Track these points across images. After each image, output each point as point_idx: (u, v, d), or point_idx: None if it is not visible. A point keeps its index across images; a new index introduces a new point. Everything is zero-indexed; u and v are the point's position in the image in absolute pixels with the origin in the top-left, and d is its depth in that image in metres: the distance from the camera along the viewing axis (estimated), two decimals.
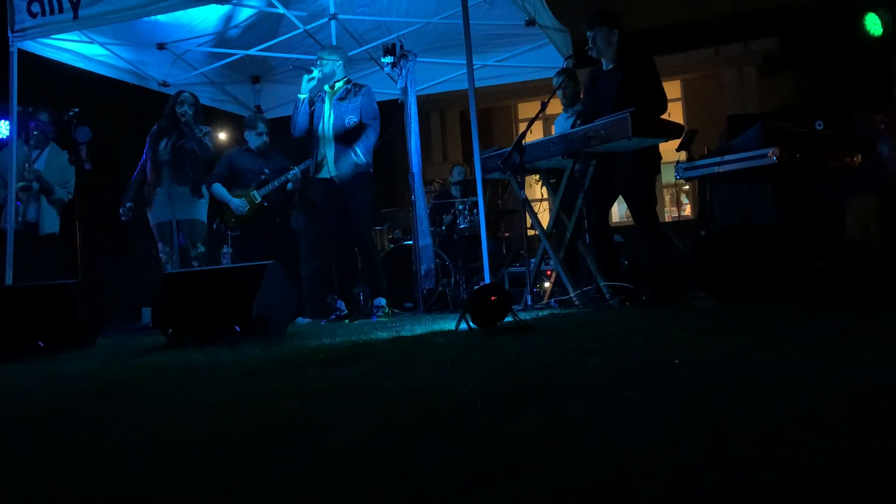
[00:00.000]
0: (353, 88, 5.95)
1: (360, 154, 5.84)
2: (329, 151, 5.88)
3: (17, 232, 6.02)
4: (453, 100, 11.92)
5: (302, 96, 5.94)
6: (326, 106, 5.93)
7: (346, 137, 5.85)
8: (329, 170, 5.88)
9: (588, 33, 5.22)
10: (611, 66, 5.22)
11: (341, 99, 5.90)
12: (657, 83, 5.11)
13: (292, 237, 7.23)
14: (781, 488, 1.41)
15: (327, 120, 5.90)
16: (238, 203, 6.50)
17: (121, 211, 6.44)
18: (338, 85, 5.95)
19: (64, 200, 6.97)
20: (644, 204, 5.21)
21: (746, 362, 2.58)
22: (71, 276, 6.63)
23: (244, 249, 6.68)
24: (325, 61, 5.86)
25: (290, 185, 6.45)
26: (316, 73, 5.88)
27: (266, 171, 6.60)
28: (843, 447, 1.61)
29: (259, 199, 6.51)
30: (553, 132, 6.41)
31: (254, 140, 6.71)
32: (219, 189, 6.60)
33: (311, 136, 6.01)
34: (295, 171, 6.34)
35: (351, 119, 5.87)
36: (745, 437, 1.73)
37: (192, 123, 6.15)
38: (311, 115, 5.94)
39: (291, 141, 6.30)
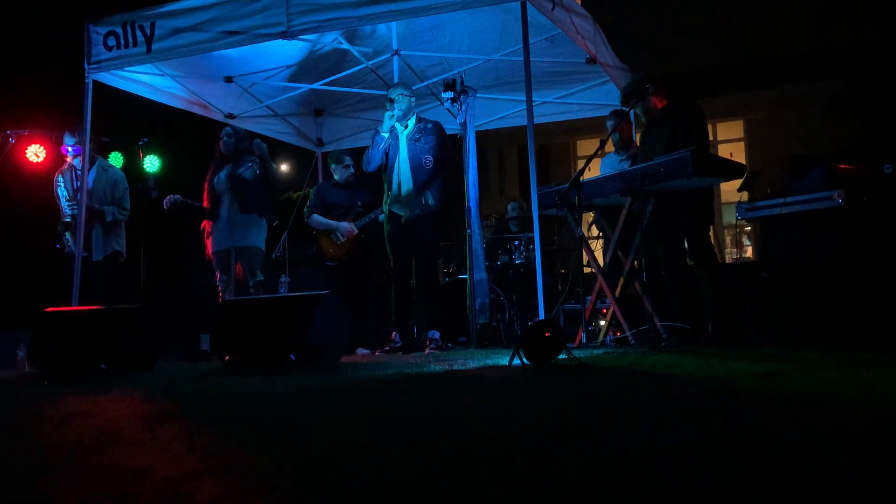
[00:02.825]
0: (424, 127, 6.04)
1: (431, 198, 5.97)
2: (403, 189, 5.99)
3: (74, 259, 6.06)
4: (512, 135, 11.92)
5: (385, 134, 6.06)
6: (402, 144, 6.02)
7: (421, 178, 5.96)
8: (401, 207, 6.00)
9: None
10: (661, 120, 5.24)
11: (416, 140, 6.00)
12: (701, 133, 5.10)
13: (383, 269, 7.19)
14: None
15: (403, 160, 6.00)
16: (347, 226, 6.59)
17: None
18: (410, 123, 6.05)
19: (119, 220, 6.70)
20: (702, 242, 5.14)
21: (810, 411, 2.51)
22: (134, 300, 6.73)
23: (332, 280, 6.65)
24: (402, 97, 5.98)
25: (381, 217, 6.51)
26: (397, 111, 5.98)
27: (359, 203, 6.71)
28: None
29: (356, 231, 6.61)
30: (599, 172, 6.36)
31: (341, 173, 6.81)
32: (320, 218, 6.70)
33: (382, 171, 6.13)
34: None
35: (427, 159, 5.97)
36: (804, 485, 1.68)
37: (244, 151, 6.41)
38: (387, 152, 6.05)
39: (368, 175, 6.39)
